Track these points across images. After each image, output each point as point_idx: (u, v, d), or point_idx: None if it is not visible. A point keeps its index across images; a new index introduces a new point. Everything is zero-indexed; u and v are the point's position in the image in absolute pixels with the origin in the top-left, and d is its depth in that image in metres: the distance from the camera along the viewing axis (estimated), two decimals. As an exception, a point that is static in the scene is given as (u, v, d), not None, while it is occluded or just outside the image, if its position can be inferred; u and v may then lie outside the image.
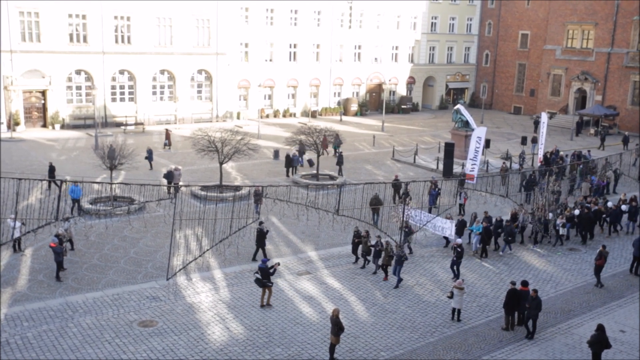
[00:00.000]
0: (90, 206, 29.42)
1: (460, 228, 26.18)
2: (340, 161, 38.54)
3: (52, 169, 32.46)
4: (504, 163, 39.23)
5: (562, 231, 27.64)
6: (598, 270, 23.55)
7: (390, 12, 66.21)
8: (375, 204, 29.69)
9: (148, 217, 29.17)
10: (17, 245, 24.17)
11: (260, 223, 24.37)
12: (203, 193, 32.22)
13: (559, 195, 30.91)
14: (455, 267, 23.39)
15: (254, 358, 17.56)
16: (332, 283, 22.93)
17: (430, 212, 30.87)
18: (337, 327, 17.26)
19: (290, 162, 38.09)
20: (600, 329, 17.31)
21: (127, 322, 19.18)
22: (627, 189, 36.70)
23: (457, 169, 38.65)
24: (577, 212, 28.43)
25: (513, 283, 20.00)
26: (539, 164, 40.46)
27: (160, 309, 20.18)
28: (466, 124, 42.03)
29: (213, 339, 18.52)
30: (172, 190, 31.79)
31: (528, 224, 27.94)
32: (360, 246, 24.37)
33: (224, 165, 33.17)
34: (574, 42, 63.37)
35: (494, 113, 69.91)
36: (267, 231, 24.70)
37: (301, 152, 39.63)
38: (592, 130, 57.96)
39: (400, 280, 22.66)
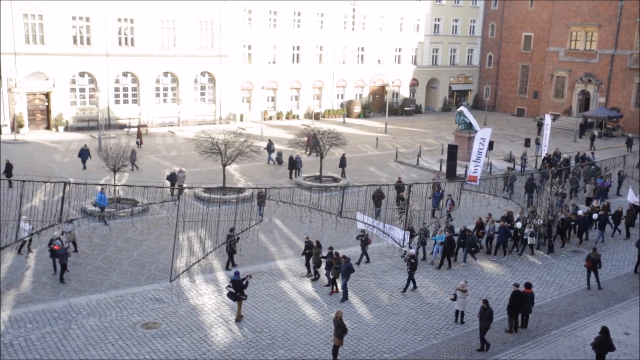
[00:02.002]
0: (94, 208, 29.45)
1: (422, 238, 25.37)
2: (343, 163, 38.54)
3: (8, 167, 32.60)
4: (508, 168, 39.03)
5: (530, 240, 26.42)
6: (587, 272, 23.53)
7: (393, 14, 66.24)
8: (379, 197, 30.29)
9: (151, 218, 29.20)
10: (27, 247, 24.34)
11: (231, 230, 23.68)
12: (206, 195, 32.25)
13: (563, 198, 30.86)
14: (409, 279, 22.51)
15: (257, 360, 17.58)
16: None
17: (433, 214, 30.90)
18: (340, 329, 17.25)
19: (294, 164, 38.12)
20: (605, 331, 17.27)
21: (130, 324, 19.20)
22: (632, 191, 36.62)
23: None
24: (541, 221, 26.98)
25: (516, 285, 19.96)
26: (542, 166, 40.39)
27: (163, 311, 20.20)
28: (469, 125, 41.99)
29: (216, 340, 18.53)
30: (175, 192, 31.79)
31: (494, 233, 26.60)
32: (312, 258, 23.20)
33: (227, 167, 33.20)
34: (577, 44, 63.31)
35: (497, 115, 69.85)
36: (238, 239, 23.71)
37: (270, 149, 40.24)
38: (595, 132, 57.82)
39: (345, 292, 21.60)
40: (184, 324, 19.45)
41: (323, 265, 23.09)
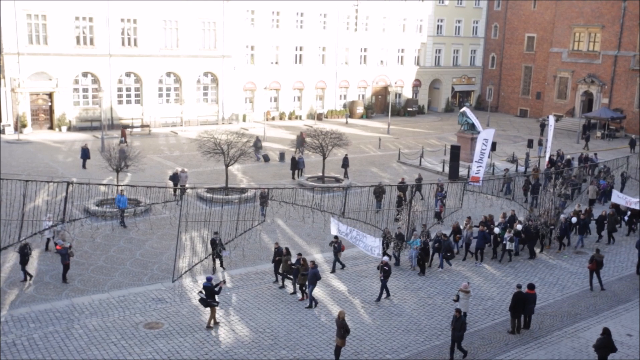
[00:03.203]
0: (97, 208, 29.50)
1: (397, 243, 24.67)
2: (345, 164, 38.55)
3: None
4: (506, 169, 38.69)
5: (509, 246, 25.65)
6: (590, 274, 23.47)
7: (396, 15, 66.23)
8: (380, 192, 30.64)
9: (154, 219, 29.22)
10: (48, 246, 24.65)
11: (215, 233, 23.33)
12: (209, 195, 32.28)
13: (566, 199, 30.79)
14: (383, 287, 21.66)
15: (259, 360, 17.58)
16: (338, 285, 22.91)
17: (435, 215, 30.87)
18: (343, 330, 17.24)
19: (296, 165, 38.13)
20: (606, 332, 17.25)
21: (132, 324, 19.21)
22: (634, 192, 36.57)
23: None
24: (519, 227, 26.34)
25: (519, 286, 19.93)
26: (545, 167, 40.37)
27: (166, 311, 20.21)
28: (472, 126, 42.00)
29: (219, 340, 18.54)
30: (178, 192, 31.86)
31: (473, 239, 25.94)
32: (281, 265, 22.39)
33: (229, 168, 33.23)
34: (580, 45, 63.24)
35: (500, 116, 69.79)
36: (220, 242, 23.12)
37: (257, 147, 40.12)
38: (598, 133, 57.81)
39: (312, 299, 20.97)
40: (186, 324, 19.46)
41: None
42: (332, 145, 36.23)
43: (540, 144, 48.24)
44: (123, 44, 51.59)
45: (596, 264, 23.17)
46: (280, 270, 22.49)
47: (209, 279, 19.46)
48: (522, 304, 19.53)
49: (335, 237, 23.90)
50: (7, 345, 17.63)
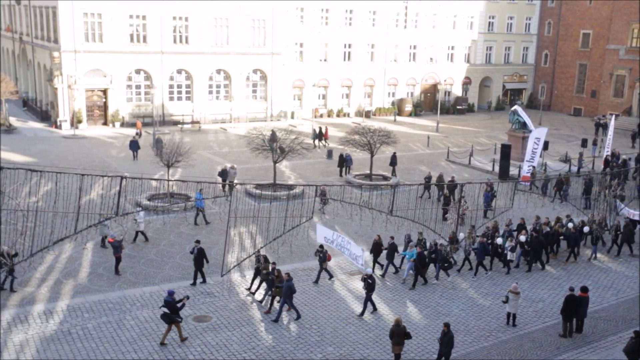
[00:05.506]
0: (148, 202, 30.13)
1: (390, 253, 23.42)
2: (393, 162, 38.31)
3: None
4: (533, 167, 37.07)
5: (510, 256, 24.29)
6: None
7: (446, 12, 65.36)
8: (427, 181, 31.49)
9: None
10: (144, 236, 25.97)
11: (197, 242, 22.23)
12: (257, 191, 32.56)
13: (622, 201, 29.81)
14: (367, 302, 20.35)
15: (305, 356, 17.63)
16: (385, 283, 22.80)
17: (485, 214, 30.38)
18: (403, 336, 16.97)
19: (344, 162, 38.10)
20: (638, 335, 16.62)
21: (182, 317, 19.51)
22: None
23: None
24: (523, 238, 24.66)
25: (571, 289, 19.46)
26: (602, 167, 39.23)
27: (214, 305, 20.50)
28: (523, 125, 41.16)
29: (266, 335, 18.70)
30: (227, 188, 32.25)
31: (472, 250, 24.32)
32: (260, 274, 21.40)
33: (278, 164, 33.43)
34: (638, 42, 61.13)
35: (553, 114, 68.09)
36: (199, 255, 21.85)
37: (273, 139, 39.66)
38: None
39: (280, 313, 19.68)
40: (234, 318, 19.70)
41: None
42: (380, 142, 36.03)
43: (594, 143, 46.87)
44: (175, 41, 52.50)
45: None
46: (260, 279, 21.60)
47: (170, 293, 18.30)
48: (575, 307, 19.06)
49: (321, 246, 22.99)
50: (62, 333, 18.23)
